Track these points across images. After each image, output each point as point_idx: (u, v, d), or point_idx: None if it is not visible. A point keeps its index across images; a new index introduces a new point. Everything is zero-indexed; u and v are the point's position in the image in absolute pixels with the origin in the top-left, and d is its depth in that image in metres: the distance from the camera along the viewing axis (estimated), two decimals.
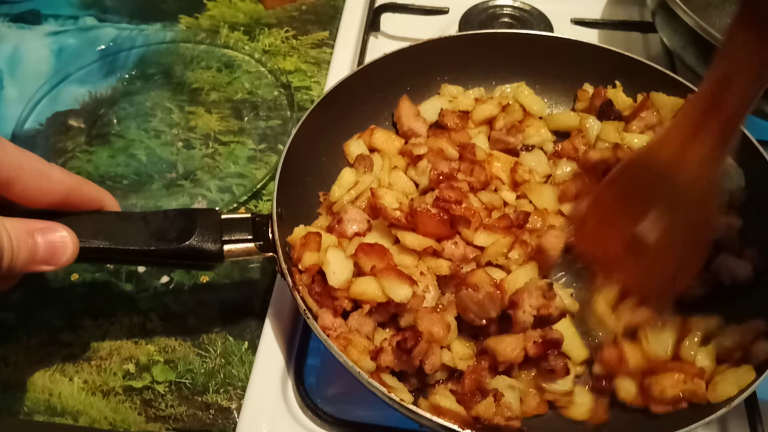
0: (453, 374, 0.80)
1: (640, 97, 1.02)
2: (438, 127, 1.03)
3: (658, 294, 0.82)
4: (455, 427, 0.68)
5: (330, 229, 0.88)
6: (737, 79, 0.67)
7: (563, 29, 1.27)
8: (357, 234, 0.87)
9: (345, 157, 1.00)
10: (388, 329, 0.82)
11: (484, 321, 0.79)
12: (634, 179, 0.79)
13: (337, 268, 0.81)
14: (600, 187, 0.84)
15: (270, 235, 0.82)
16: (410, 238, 0.83)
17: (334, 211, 0.91)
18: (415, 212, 0.84)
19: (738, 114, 0.69)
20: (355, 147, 0.99)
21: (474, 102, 1.05)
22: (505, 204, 0.94)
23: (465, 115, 1.04)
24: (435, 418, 0.69)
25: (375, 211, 0.86)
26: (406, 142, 1.01)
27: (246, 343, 0.91)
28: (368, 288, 0.79)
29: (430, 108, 1.04)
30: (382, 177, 0.95)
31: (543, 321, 0.79)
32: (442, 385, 0.80)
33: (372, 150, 1.00)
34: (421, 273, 0.82)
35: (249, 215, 0.83)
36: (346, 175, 0.94)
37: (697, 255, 0.80)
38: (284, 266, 0.80)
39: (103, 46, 1.27)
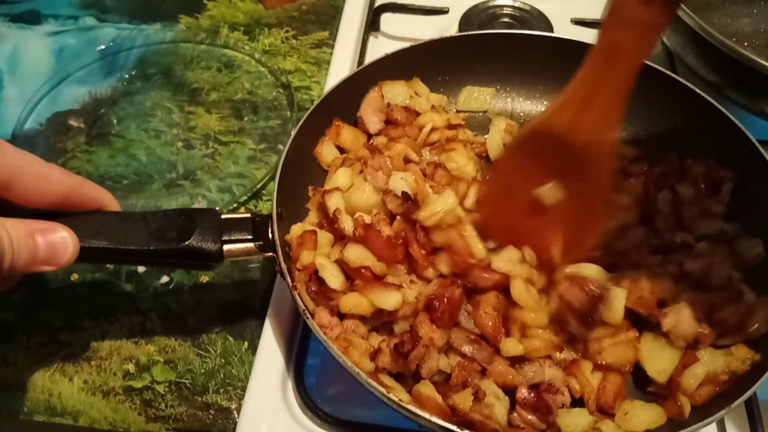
0: (449, 379, 0.80)
1: None
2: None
3: (563, 256, 0.83)
4: (453, 427, 0.68)
5: (320, 226, 0.88)
6: (625, 42, 0.72)
7: (563, 29, 1.27)
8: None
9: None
10: (381, 333, 0.82)
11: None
12: (532, 148, 0.82)
13: (336, 271, 0.82)
14: (500, 159, 0.87)
15: (270, 235, 0.82)
16: (352, 252, 0.81)
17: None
18: (368, 227, 0.82)
19: (627, 77, 0.74)
20: (327, 152, 0.98)
21: (429, 108, 1.04)
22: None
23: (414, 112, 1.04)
24: (434, 419, 0.69)
25: (325, 215, 0.87)
26: (368, 138, 1.01)
27: (246, 343, 0.91)
28: (359, 302, 0.79)
29: (396, 91, 1.03)
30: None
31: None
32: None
33: (341, 149, 1.00)
34: (411, 281, 0.82)
35: (249, 215, 0.83)
36: (342, 177, 0.93)
37: (596, 217, 0.83)
38: (284, 266, 0.80)
39: (103, 46, 1.27)
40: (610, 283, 0.81)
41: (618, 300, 0.81)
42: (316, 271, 0.81)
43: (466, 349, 0.79)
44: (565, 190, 0.81)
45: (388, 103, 1.02)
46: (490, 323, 0.80)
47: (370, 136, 1.02)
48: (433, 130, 1.01)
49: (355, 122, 1.02)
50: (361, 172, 0.94)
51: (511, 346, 0.79)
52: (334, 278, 0.81)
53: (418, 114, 1.04)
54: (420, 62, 1.05)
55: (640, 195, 0.93)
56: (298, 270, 0.82)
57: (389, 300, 0.78)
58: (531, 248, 0.84)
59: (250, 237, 0.81)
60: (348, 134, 0.99)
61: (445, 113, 1.05)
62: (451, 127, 1.03)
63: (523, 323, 0.81)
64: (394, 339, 0.77)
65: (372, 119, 1.01)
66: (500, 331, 0.80)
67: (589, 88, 0.76)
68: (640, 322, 0.82)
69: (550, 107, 0.80)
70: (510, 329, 0.81)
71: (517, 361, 0.79)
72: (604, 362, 0.79)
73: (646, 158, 1.00)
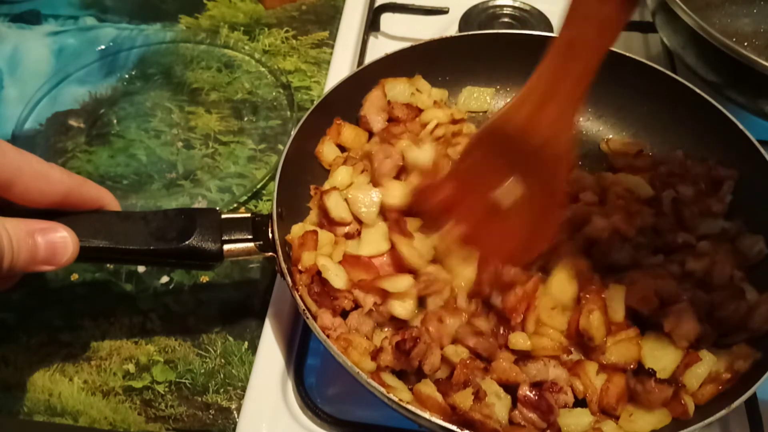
0: (452, 376, 0.80)
1: None
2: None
3: (516, 258, 0.83)
4: (453, 427, 0.68)
5: (321, 225, 0.88)
6: (584, 39, 0.71)
7: None
8: (348, 235, 0.88)
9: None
10: (387, 329, 0.83)
11: None
12: (489, 146, 0.81)
13: (339, 271, 0.82)
14: (458, 159, 0.86)
15: (270, 235, 0.82)
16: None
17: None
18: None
19: (585, 76, 0.73)
20: (328, 151, 0.98)
21: (432, 104, 1.04)
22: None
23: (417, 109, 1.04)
24: (434, 418, 0.69)
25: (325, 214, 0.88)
26: (370, 136, 1.01)
27: (246, 343, 0.91)
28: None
29: (398, 88, 1.03)
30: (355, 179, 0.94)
31: None
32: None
33: (342, 148, 1.00)
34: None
35: (249, 215, 0.83)
36: (341, 175, 0.93)
37: (552, 217, 0.82)
38: (284, 266, 0.80)
39: (103, 46, 1.27)
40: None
41: (618, 298, 0.81)
42: (319, 272, 0.81)
43: (471, 341, 0.79)
44: (522, 190, 0.80)
45: (389, 101, 1.02)
46: (514, 301, 0.80)
47: (371, 134, 1.02)
48: (437, 125, 1.01)
49: (356, 121, 1.02)
50: (363, 171, 0.94)
51: (520, 340, 0.79)
52: (337, 278, 0.81)
53: (419, 110, 1.03)
54: (420, 62, 1.05)
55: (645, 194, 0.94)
56: (300, 272, 0.82)
57: (400, 284, 0.80)
58: (482, 251, 0.83)
59: (250, 237, 0.81)
60: (349, 133, 0.99)
61: (447, 108, 1.05)
62: (454, 121, 1.03)
63: (538, 319, 0.81)
64: (396, 337, 0.77)
65: (375, 118, 1.01)
66: (521, 311, 0.80)
67: (546, 85, 0.75)
68: (642, 321, 0.82)
69: (506, 105, 0.79)
70: (527, 318, 0.81)
71: (521, 359, 0.79)
72: (608, 362, 0.79)
73: (650, 152, 1.00)
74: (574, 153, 0.79)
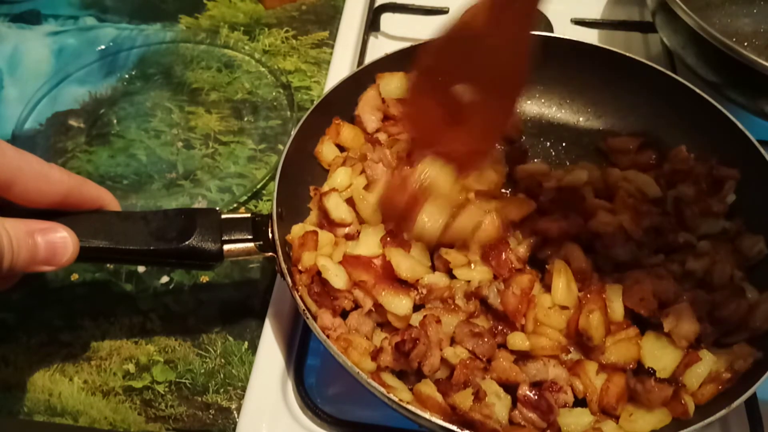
0: (452, 376, 0.80)
1: None
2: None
3: (477, 151, 0.85)
4: (453, 427, 0.68)
5: (321, 226, 0.88)
6: None
7: (563, 29, 1.27)
8: (348, 236, 0.88)
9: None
10: (387, 328, 0.83)
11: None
12: (451, 49, 0.81)
13: (339, 271, 0.82)
14: (417, 64, 0.85)
15: (270, 235, 0.82)
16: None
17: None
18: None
19: None
20: (327, 151, 0.98)
21: None
22: None
23: None
24: (434, 418, 0.69)
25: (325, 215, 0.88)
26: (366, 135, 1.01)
27: (246, 343, 0.91)
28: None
29: (393, 84, 1.03)
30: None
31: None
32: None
33: (342, 148, 0.99)
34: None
35: (249, 215, 0.83)
36: (340, 177, 0.93)
37: (508, 109, 0.85)
38: (284, 266, 0.80)
39: (103, 46, 1.27)
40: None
41: (616, 298, 0.81)
42: (319, 273, 0.81)
43: (469, 344, 0.79)
44: (481, 88, 0.81)
45: (384, 99, 1.01)
46: (514, 302, 0.80)
47: (368, 133, 1.01)
48: None
49: (354, 120, 1.02)
50: (362, 172, 0.94)
51: (518, 340, 0.79)
52: (338, 278, 0.81)
53: None
54: None
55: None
56: (300, 272, 0.82)
57: (400, 304, 0.80)
58: (446, 154, 0.85)
59: (250, 237, 0.81)
60: (348, 132, 0.99)
61: None
62: None
63: (536, 318, 0.81)
64: (396, 337, 0.77)
65: (369, 118, 1.00)
66: (523, 311, 0.80)
67: None
68: (642, 321, 0.82)
69: (465, 12, 0.80)
70: (527, 317, 0.81)
71: (521, 358, 0.79)
72: (607, 361, 0.79)
73: (653, 147, 1.00)
74: (531, 53, 0.80)
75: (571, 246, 0.87)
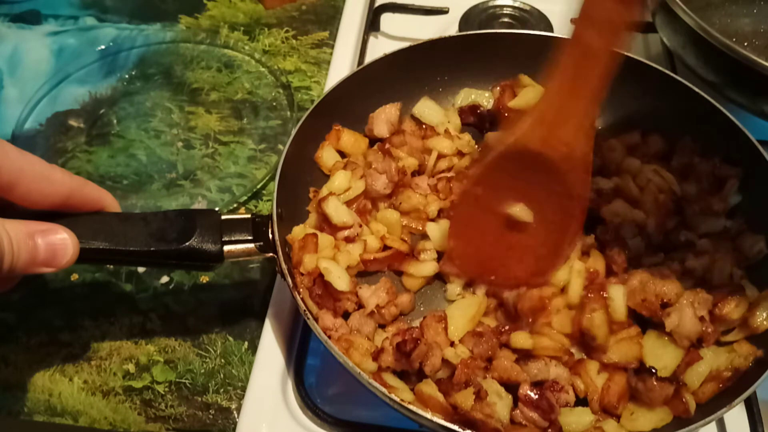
0: (453, 376, 0.80)
1: None
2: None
3: (536, 279, 0.83)
4: (455, 427, 0.68)
5: (320, 228, 0.88)
6: (598, 44, 0.70)
7: (563, 29, 1.26)
8: (348, 238, 0.88)
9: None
10: (388, 329, 0.83)
11: None
12: (505, 167, 0.79)
13: (342, 273, 0.82)
14: (468, 184, 0.83)
15: (270, 236, 0.82)
16: None
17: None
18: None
19: (602, 82, 0.72)
20: (327, 156, 0.97)
21: (443, 132, 1.01)
22: None
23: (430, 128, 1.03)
24: (435, 418, 0.69)
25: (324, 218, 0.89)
26: (371, 143, 1.01)
27: (246, 343, 0.91)
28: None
29: (427, 109, 1.04)
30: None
31: None
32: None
33: (341, 153, 0.99)
34: None
35: (249, 216, 0.83)
36: (339, 180, 0.93)
37: (572, 230, 0.82)
38: (284, 267, 0.80)
39: (103, 46, 1.27)
40: None
41: (618, 298, 0.81)
42: (321, 274, 0.82)
43: (469, 344, 0.79)
44: (540, 207, 0.79)
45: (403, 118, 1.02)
46: (531, 306, 0.81)
47: (371, 141, 1.01)
48: (440, 157, 0.99)
49: (354, 120, 1.02)
50: (362, 177, 0.93)
51: (521, 339, 0.79)
52: (340, 280, 0.81)
53: (427, 127, 1.03)
54: (419, 62, 1.05)
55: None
56: (301, 274, 0.82)
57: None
58: (504, 280, 0.83)
59: (250, 238, 0.81)
60: (348, 138, 0.99)
61: (458, 139, 1.01)
62: (461, 154, 1.01)
63: (546, 321, 0.81)
64: (397, 338, 0.77)
65: (380, 127, 1.00)
66: (537, 315, 0.81)
67: (563, 98, 0.73)
68: (643, 320, 0.82)
69: (522, 124, 0.77)
70: (537, 320, 0.81)
71: (522, 358, 0.79)
72: (609, 360, 0.79)
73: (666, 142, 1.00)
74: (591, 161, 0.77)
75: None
